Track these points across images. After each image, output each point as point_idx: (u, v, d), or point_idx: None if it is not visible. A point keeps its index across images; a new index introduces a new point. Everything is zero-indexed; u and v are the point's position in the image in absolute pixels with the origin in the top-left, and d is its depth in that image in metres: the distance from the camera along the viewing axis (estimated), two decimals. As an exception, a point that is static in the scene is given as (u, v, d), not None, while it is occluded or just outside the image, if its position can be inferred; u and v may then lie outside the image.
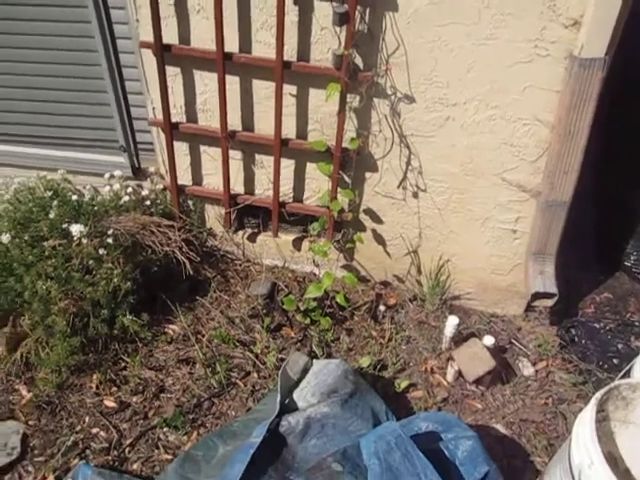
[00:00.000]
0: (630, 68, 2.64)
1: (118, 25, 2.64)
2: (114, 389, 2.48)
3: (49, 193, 2.67)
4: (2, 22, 2.72)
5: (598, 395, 1.93)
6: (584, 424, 1.89)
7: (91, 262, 2.48)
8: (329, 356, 2.65)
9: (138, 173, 3.02)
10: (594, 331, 2.83)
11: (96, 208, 2.70)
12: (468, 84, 2.35)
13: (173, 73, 2.59)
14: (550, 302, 2.65)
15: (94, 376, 2.50)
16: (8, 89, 2.95)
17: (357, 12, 2.24)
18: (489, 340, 2.60)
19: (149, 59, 2.56)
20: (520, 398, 2.58)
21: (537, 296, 2.63)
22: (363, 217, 2.83)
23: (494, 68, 2.29)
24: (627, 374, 2.35)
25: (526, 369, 2.70)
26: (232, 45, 2.45)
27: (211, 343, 2.66)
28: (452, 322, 2.63)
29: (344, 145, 2.55)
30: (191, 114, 2.71)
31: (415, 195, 2.70)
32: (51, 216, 2.52)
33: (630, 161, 2.98)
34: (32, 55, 2.80)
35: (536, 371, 2.69)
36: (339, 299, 2.71)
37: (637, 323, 2.88)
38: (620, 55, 2.26)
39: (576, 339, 2.80)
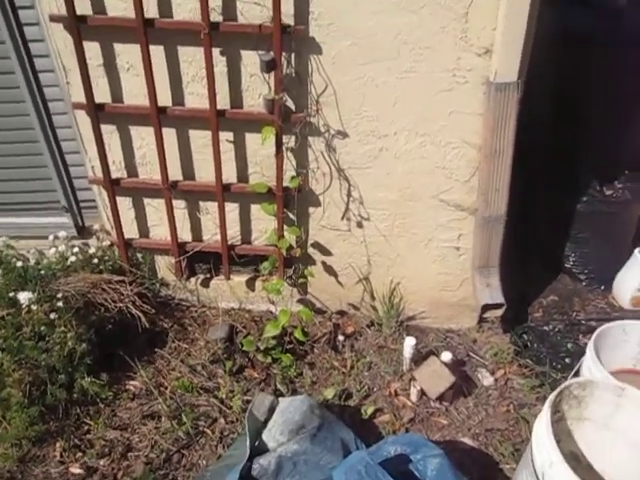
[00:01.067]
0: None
1: (48, 88, 2.65)
2: (79, 455, 2.42)
3: (-8, 262, 2.62)
4: None
5: (551, 397, 2.02)
6: (541, 426, 1.98)
7: (43, 328, 2.43)
8: (294, 392, 2.67)
9: (83, 232, 3.00)
10: (544, 334, 2.96)
11: (43, 272, 2.66)
12: (396, 115, 2.47)
13: (109, 131, 2.61)
14: (499, 312, 2.76)
15: (57, 444, 2.44)
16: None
17: (283, 58, 2.33)
18: (447, 356, 2.68)
19: (83, 119, 2.57)
20: (483, 408, 2.66)
21: (486, 308, 2.74)
22: (312, 251, 2.89)
23: (418, 98, 2.42)
24: (577, 373, 2.47)
25: (485, 379, 2.79)
26: (165, 99, 2.50)
27: (175, 394, 2.64)
28: (409, 343, 2.70)
29: (285, 184, 2.62)
30: (131, 169, 2.73)
31: (359, 225, 2.78)
32: (-4, 286, 2.48)
33: (560, 168, 3.16)
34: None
35: (495, 380, 2.78)
36: (297, 334, 2.75)
37: (583, 321, 3.02)
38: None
39: (529, 344, 2.92)
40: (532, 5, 2.14)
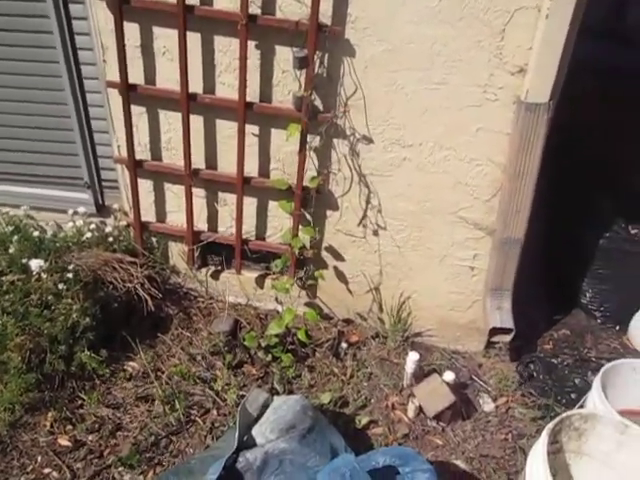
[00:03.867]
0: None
1: (85, 66, 2.70)
2: (69, 427, 2.43)
3: (10, 228, 2.66)
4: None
5: (550, 425, 1.97)
6: (537, 456, 1.92)
7: (50, 297, 2.46)
8: (290, 393, 2.64)
9: (102, 210, 3.03)
10: (552, 366, 2.89)
11: (58, 244, 2.70)
12: (423, 126, 2.46)
13: (138, 112, 2.65)
14: (508, 337, 2.71)
15: (49, 414, 2.45)
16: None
17: (316, 57, 2.35)
18: (449, 376, 2.63)
19: (115, 98, 2.62)
20: (480, 434, 2.60)
21: (495, 331, 2.69)
22: (325, 255, 2.87)
23: (447, 111, 2.41)
24: (582, 407, 2.39)
25: (486, 405, 2.72)
26: (196, 86, 2.53)
27: (171, 380, 2.63)
28: (412, 358, 2.66)
29: (305, 184, 2.62)
30: (155, 152, 2.76)
31: (375, 233, 2.76)
32: (10, 251, 2.51)
33: (581, 199, 3.11)
34: (-1, 93, 2.85)
35: (496, 407, 2.72)
36: (300, 335, 2.73)
37: (594, 358, 2.95)
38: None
39: (535, 374, 2.85)
40: (571, 27, 2.12)
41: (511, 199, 2.49)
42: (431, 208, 2.64)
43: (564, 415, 2.01)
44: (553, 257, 3.34)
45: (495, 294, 2.74)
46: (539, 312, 3.17)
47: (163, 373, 2.66)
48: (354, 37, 2.33)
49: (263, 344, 2.74)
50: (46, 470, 2.29)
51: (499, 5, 2.18)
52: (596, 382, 2.26)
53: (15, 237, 2.57)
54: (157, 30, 2.45)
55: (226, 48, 2.43)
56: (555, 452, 2.04)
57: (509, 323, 2.66)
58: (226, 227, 2.91)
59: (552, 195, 2.85)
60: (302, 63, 2.33)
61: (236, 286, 3.05)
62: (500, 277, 2.70)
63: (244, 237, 2.87)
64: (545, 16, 2.12)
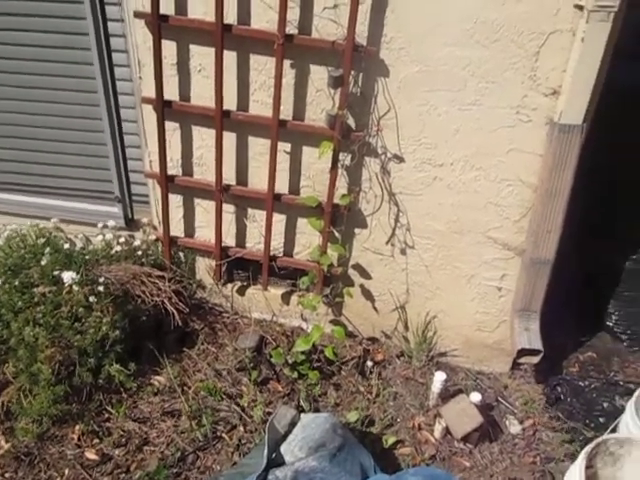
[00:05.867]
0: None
1: (121, 82, 2.74)
2: (96, 441, 2.42)
3: (41, 240, 2.69)
4: (9, 75, 2.84)
5: (587, 449, 1.95)
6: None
7: (81, 310, 2.46)
8: (316, 411, 2.63)
9: (131, 224, 3.06)
10: (579, 389, 2.85)
11: (87, 257, 2.72)
12: (454, 146, 2.47)
13: (172, 128, 2.68)
14: (535, 359, 2.68)
15: (76, 427, 2.44)
16: (7, 139, 3.02)
17: (351, 76, 2.38)
18: (476, 397, 2.60)
19: (149, 114, 2.66)
20: (508, 456, 2.56)
21: (523, 352, 2.66)
22: (352, 272, 2.88)
23: (479, 132, 2.42)
24: (614, 432, 2.36)
25: (513, 427, 2.69)
26: (230, 103, 2.57)
27: (197, 395, 2.63)
28: (439, 378, 2.64)
29: (335, 201, 2.63)
30: (187, 167, 2.79)
31: (403, 252, 2.76)
32: (43, 263, 2.53)
33: (613, 222, 3.09)
34: (35, 107, 2.90)
35: (523, 429, 2.69)
36: (328, 352, 2.72)
37: (621, 382, 2.91)
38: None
39: (562, 397, 2.82)
40: (605, 50, 2.14)
41: (542, 219, 2.49)
42: (460, 227, 2.65)
43: (600, 439, 1.99)
44: (579, 279, 3.32)
45: (523, 315, 2.72)
46: (564, 334, 3.13)
47: (189, 388, 2.65)
48: (389, 57, 2.35)
49: (290, 361, 2.74)
50: (73, 484, 2.28)
51: (533, 28, 2.21)
52: (630, 406, 2.24)
53: (47, 249, 2.58)
54: (194, 48, 2.49)
55: (261, 67, 2.47)
56: (590, 478, 2.01)
57: (537, 344, 2.64)
58: (254, 243, 2.92)
59: (581, 217, 2.83)
60: (337, 82, 2.35)
61: (262, 302, 3.05)
62: (529, 298, 2.69)
63: (272, 253, 2.88)
64: (580, 39, 2.13)
